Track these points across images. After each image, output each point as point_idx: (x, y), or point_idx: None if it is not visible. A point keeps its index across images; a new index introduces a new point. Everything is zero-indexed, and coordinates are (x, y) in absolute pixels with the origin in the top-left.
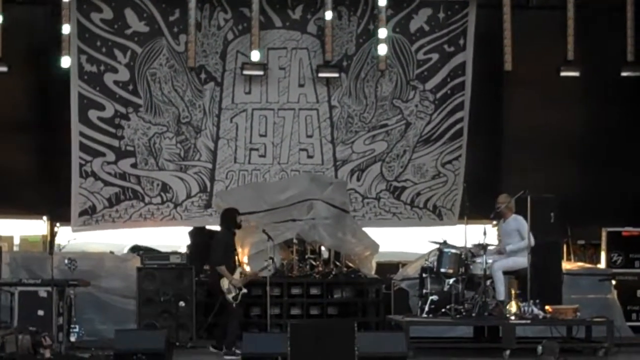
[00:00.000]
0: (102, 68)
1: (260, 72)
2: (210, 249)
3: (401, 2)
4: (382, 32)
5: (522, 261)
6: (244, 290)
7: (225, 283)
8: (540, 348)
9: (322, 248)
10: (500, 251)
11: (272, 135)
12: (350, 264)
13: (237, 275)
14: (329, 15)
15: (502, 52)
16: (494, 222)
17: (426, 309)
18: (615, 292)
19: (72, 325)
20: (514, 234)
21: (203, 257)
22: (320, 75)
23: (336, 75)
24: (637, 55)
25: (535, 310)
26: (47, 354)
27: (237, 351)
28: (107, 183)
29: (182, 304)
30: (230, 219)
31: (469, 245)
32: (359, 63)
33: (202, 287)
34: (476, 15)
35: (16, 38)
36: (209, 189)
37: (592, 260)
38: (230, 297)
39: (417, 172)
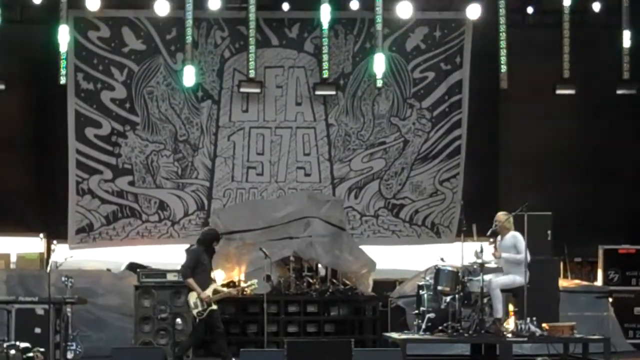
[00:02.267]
0: (99, 86)
1: (257, 90)
2: (184, 263)
3: (397, 20)
4: (379, 57)
5: (519, 279)
6: (214, 307)
7: (192, 297)
8: None
9: (319, 266)
10: (498, 266)
11: (269, 154)
12: (347, 282)
13: (209, 291)
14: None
15: (499, 70)
16: (491, 240)
17: (423, 326)
18: (612, 310)
19: (69, 343)
20: (511, 250)
21: None
22: (317, 93)
23: (333, 93)
24: (632, 73)
25: (532, 328)
26: None
27: None
28: (104, 201)
29: (179, 321)
30: (209, 239)
31: (466, 263)
32: (356, 81)
33: None
34: (472, 34)
35: (13, 56)
36: (206, 207)
37: (588, 277)
38: (194, 312)
39: (415, 189)
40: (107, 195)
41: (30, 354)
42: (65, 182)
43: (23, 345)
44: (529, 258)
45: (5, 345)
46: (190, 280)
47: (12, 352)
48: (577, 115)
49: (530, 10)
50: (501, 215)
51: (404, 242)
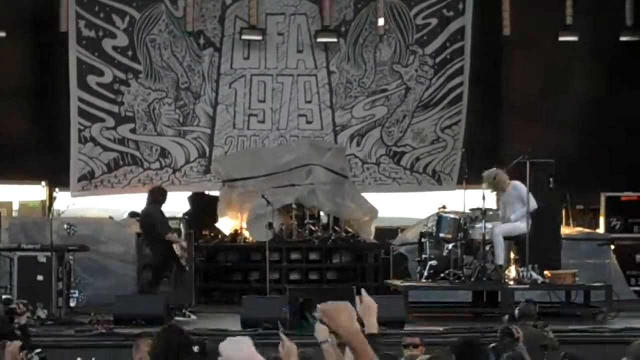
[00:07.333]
0: (100, 33)
1: (259, 37)
2: (156, 224)
3: None
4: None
5: (522, 226)
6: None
7: (177, 249)
8: (517, 312)
9: (321, 213)
10: (504, 220)
11: (270, 101)
12: (349, 229)
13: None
14: None
15: (501, 17)
16: (495, 194)
17: (425, 273)
18: (614, 257)
19: (72, 290)
20: (515, 202)
21: (202, 222)
22: (319, 40)
23: (334, 40)
24: (636, 20)
25: (534, 275)
26: (23, 320)
27: (188, 313)
28: (106, 148)
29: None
30: (163, 196)
31: (467, 210)
32: (358, 28)
33: (201, 252)
34: None
35: (14, 3)
36: (207, 155)
37: (590, 225)
38: (183, 261)
39: (417, 137)
40: (109, 142)
41: (13, 305)
42: (67, 129)
43: (5, 296)
44: (535, 205)
45: None
46: (171, 235)
47: None
48: (580, 62)
49: None
50: (486, 179)
51: (404, 190)
